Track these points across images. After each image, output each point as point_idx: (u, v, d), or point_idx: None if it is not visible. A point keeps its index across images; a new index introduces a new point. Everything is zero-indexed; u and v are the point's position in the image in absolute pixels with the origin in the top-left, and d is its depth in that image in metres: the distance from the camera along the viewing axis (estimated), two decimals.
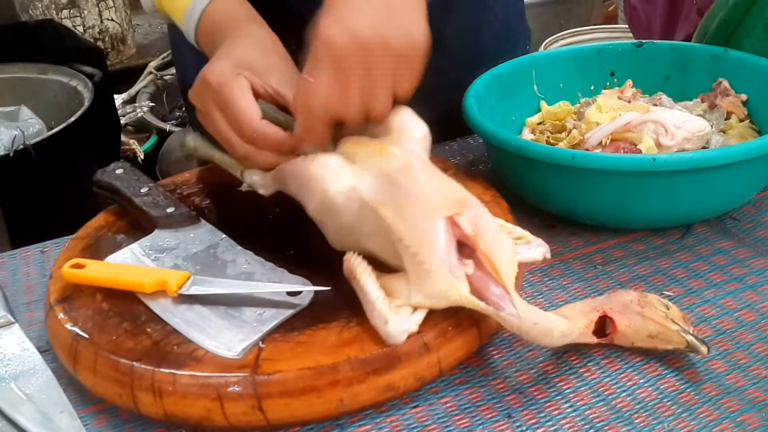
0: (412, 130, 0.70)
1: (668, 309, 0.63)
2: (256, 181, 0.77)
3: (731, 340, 0.66)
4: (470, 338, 0.64)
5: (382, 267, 0.65)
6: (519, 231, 0.69)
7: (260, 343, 0.62)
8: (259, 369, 0.59)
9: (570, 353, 0.66)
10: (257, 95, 0.73)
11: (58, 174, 1.56)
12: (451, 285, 0.60)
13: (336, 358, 0.59)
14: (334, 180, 0.66)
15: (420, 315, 0.61)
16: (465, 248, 0.62)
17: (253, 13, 0.80)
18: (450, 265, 0.60)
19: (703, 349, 0.61)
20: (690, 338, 0.61)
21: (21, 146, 1.51)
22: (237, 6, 0.81)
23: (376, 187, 0.65)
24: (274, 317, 0.64)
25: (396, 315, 0.60)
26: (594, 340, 0.63)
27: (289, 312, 0.65)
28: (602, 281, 0.75)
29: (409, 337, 0.61)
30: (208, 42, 0.81)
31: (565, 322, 0.61)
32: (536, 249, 0.68)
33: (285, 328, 0.63)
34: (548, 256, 0.68)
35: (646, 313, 0.62)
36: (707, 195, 0.76)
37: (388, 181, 0.64)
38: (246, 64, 0.74)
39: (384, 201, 0.63)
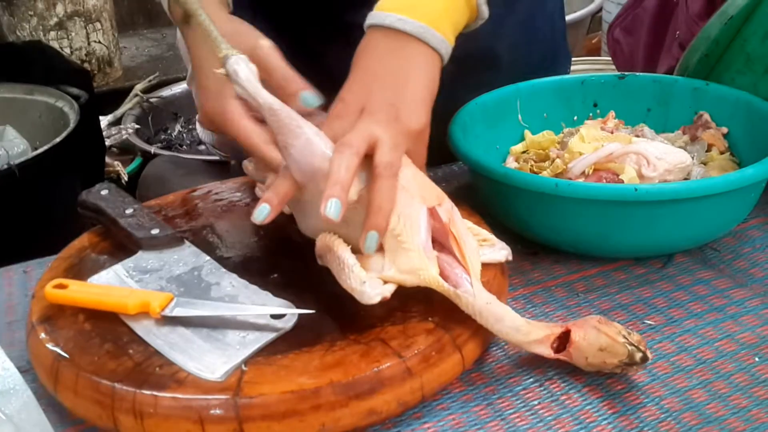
0: None
1: (629, 333, 0.64)
2: (241, 73, 0.71)
3: (711, 370, 0.67)
4: (453, 364, 0.64)
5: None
6: (484, 233, 0.75)
7: (243, 365, 0.62)
8: (241, 392, 0.59)
9: (552, 380, 0.66)
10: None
11: (41, 194, 1.55)
12: (425, 264, 0.66)
13: (318, 382, 0.59)
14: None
15: (392, 286, 0.66)
16: (435, 242, 0.69)
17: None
18: (426, 249, 0.67)
19: (638, 356, 0.62)
20: (630, 348, 0.62)
21: (5, 166, 1.50)
22: None
23: (364, 177, 0.69)
24: (258, 340, 0.64)
25: (372, 279, 0.66)
26: (551, 353, 0.65)
27: (272, 335, 0.65)
28: (584, 309, 0.75)
29: (394, 362, 0.61)
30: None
31: (522, 319, 0.65)
32: (499, 251, 0.74)
33: (268, 351, 0.63)
34: (510, 258, 0.74)
35: (601, 328, 0.64)
36: (688, 226, 0.77)
37: None
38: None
39: None
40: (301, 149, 0.69)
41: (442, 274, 0.67)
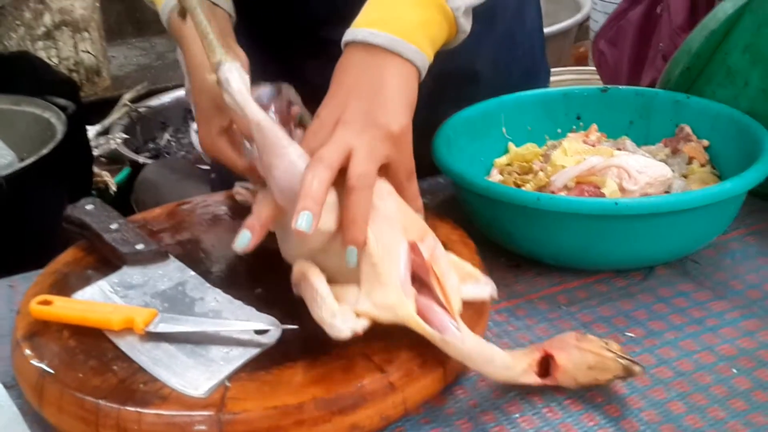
0: None
1: (606, 344, 0.64)
2: (233, 83, 0.68)
3: (690, 382, 0.68)
4: (436, 378, 0.65)
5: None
6: (468, 268, 0.72)
7: (226, 381, 0.62)
8: (224, 408, 0.59)
9: (533, 393, 0.66)
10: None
11: (28, 206, 1.55)
12: (402, 301, 0.63)
13: (301, 398, 0.60)
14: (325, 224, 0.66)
15: (365, 322, 0.63)
16: (414, 279, 0.66)
17: None
18: (404, 285, 0.64)
19: (637, 368, 0.63)
20: (624, 362, 0.63)
21: None
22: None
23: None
24: (241, 356, 0.64)
25: (344, 312, 0.63)
26: (538, 380, 0.65)
27: (256, 350, 0.65)
28: (566, 322, 0.76)
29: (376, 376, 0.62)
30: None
31: (508, 356, 0.64)
32: (483, 287, 0.71)
33: (252, 366, 0.64)
34: (495, 295, 0.70)
35: (583, 345, 0.64)
36: (668, 239, 0.78)
37: None
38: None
39: None
40: (283, 171, 0.67)
41: (420, 315, 0.64)
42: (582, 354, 0.64)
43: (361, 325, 0.63)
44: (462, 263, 0.72)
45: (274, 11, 0.97)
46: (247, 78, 0.70)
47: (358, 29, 0.74)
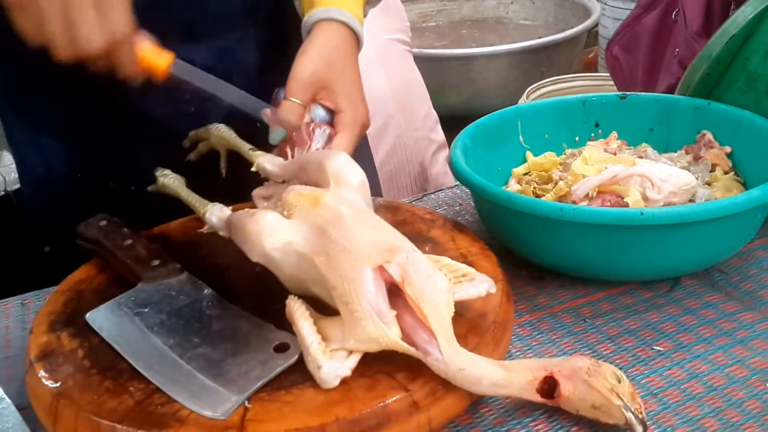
0: (348, 177, 0.71)
1: (619, 382, 0.60)
2: (216, 223, 0.77)
3: (723, 398, 0.66)
4: (461, 396, 0.63)
5: (329, 310, 0.66)
6: (463, 268, 0.70)
7: (246, 402, 0.60)
8: (244, 430, 0.58)
9: (561, 412, 0.64)
10: None
11: None
12: (381, 331, 0.61)
13: (324, 419, 0.58)
14: (268, 236, 0.67)
15: (354, 359, 0.62)
16: (399, 291, 0.63)
17: None
18: (379, 311, 0.62)
19: (639, 429, 0.59)
20: (629, 415, 0.59)
21: (2, 192, 1.49)
22: None
23: (310, 239, 0.66)
24: (261, 375, 0.63)
25: (329, 360, 0.61)
26: (538, 398, 0.61)
27: (276, 369, 0.63)
28: (592, 335, 0.74)
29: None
30: None
31: (500, 372, 0.61)
32: (480, 285, 0.68)
33: (272, 386, 0.62)
34: (492, 290, 0.68)
35: (592, 382, 0.60)
36: (695, 248, 0.76)
37: (320, 233, 0.65)
38: None
39: (318, 252, 0.65)
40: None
41: (406, 337, 0.62)
42: (590, 391, 0.60)
43: (349, 367, 0.62)
44: (456, 264, 0.70)
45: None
46: (225, 209, 0.78)
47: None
